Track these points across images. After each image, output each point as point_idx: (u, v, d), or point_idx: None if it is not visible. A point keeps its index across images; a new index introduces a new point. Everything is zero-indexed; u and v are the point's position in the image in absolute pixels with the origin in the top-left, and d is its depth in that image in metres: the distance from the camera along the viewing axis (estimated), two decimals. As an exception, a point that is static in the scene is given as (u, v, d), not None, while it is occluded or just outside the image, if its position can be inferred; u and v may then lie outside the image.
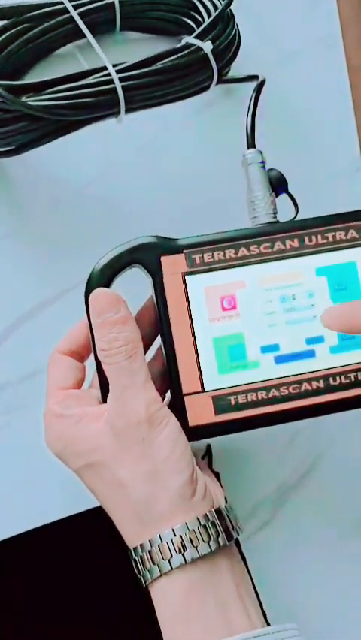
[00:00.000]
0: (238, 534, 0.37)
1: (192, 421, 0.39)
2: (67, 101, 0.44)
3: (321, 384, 0.40)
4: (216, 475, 0.43)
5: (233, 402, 0.39)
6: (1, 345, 0.47)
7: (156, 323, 0.39)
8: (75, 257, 0.45)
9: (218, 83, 0.49)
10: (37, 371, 0.46)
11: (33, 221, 0.49)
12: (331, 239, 0.40)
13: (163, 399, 0.39)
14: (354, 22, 0.56)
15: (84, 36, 0.49)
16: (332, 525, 0.47)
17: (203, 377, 0.39)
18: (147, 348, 0.41)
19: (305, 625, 0.45)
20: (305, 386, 0.39)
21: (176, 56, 0.47)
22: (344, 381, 0.40)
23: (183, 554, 0.35)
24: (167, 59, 0.47)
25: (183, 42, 0.48)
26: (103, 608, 0.44)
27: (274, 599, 0.42)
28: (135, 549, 0.36)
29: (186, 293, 0.39)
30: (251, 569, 0.42)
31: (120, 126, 0.47)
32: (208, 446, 0.44)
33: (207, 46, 0.47)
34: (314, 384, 0.39)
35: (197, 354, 0.39)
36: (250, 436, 0.47)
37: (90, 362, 0.40)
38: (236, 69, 0.51)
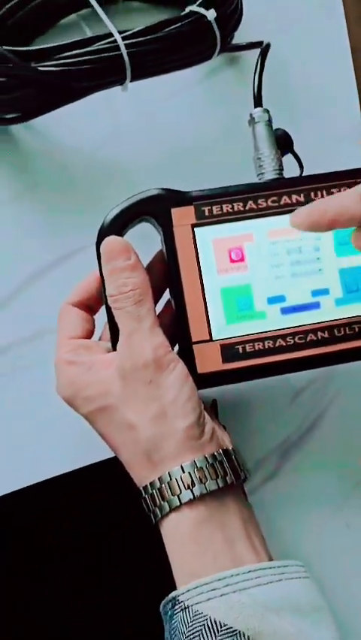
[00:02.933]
0: (246, 477, 0.38)
1: (201, 369, 0.39)
2: (75, 67, 0.45)
3: (326, 334, 0.40)
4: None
5: (240, 350, 0.40)
6: (9, 306, 0.48)
7: (165, 275, 0.40)
8: (80, 221, 0.46)
9: (221, 51, 0.50)
10: (42, 332, 0.47)
11: (40, 185, 0.50)
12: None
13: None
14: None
15: (88, 5, 0.50)
16: (336, 478, 0.48)
17: (211, 326, 0.40)
18: (156, 300, 0.42)
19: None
20: (310, 336, 0.40)
21: (181, 24, 0.48)
22: (348, 332, 0.41)
23: (191, 490, 0.35)
24: (172, 27, 0.48)
25: (187, 10, 0.49)
26: (108, 555, 0.45)
27: (277, 551, 0.42)
28: (145, 487, 0.37)
29: (195, 244, 0.40)
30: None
31: (125, 94, 0.48)
32: (214, 401, 0.45)
33: (210, 14, 0.48)
34: (319, 334, 0.40)
35: (205, 304, 0.40)
36: (254, 393, 0.47)
37: (100, 316, 0.41)
38: (237, 38, 0.52)
